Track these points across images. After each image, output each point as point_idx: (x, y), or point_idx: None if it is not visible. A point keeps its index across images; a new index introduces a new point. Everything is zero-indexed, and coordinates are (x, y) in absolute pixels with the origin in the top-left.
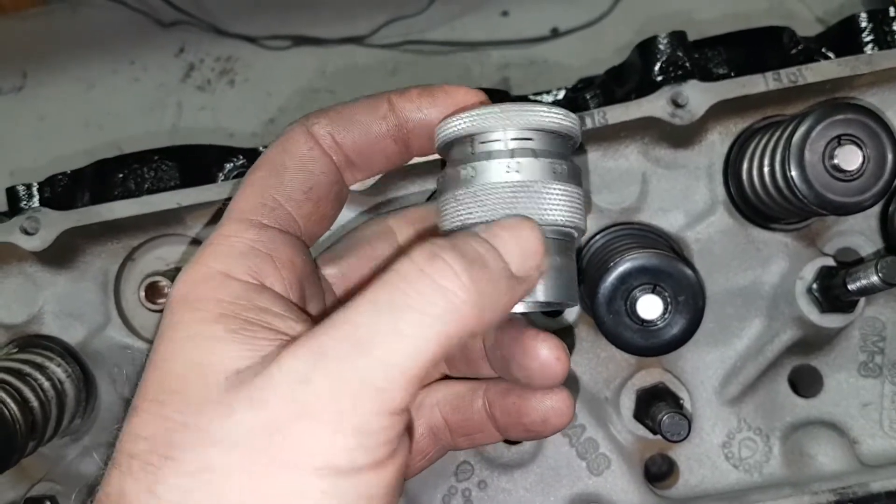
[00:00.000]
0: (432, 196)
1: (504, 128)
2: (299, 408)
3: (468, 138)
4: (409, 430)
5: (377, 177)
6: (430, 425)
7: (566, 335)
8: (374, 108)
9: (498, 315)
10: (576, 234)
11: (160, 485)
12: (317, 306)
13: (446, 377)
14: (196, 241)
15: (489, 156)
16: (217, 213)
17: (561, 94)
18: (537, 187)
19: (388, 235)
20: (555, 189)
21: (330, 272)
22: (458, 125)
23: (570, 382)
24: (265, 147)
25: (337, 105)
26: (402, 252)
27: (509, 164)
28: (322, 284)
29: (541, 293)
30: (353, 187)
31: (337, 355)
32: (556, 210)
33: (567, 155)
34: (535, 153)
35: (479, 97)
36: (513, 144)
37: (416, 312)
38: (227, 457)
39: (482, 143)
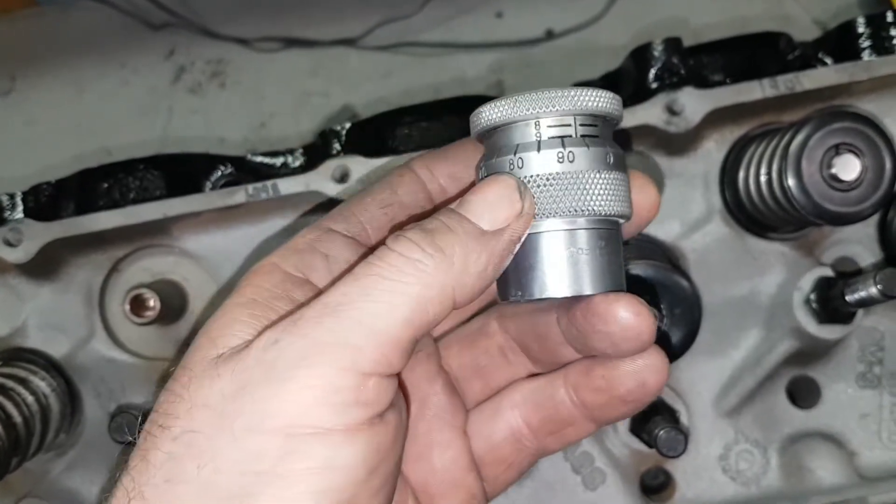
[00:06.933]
0: None
1: (553, 114)
2: (267, 368)
3: (514, 125)
4: (399, 407)
5: None
6: (510, 431)
7: None
8: (464, 142)
9: (483, 272)
10: (622, 222)
11: (151, 451)
12: None
13: (531, 375)
14: (185, 253)
15: (538, 146)
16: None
17: None
18: (586, 177)
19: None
20: (604, 178)
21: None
22: (506, 111)
23: None
24: (254, 154)
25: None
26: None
27: (560, 152)
28: None
29: (587, 286)
30: None
31: (307, 319)
32: (603, 200)
33: (612, 139)
34: (585, 142)
35: None
36: (561, 131)
37: (386, 279)
38: (206, 421)
39: (529, 129)
